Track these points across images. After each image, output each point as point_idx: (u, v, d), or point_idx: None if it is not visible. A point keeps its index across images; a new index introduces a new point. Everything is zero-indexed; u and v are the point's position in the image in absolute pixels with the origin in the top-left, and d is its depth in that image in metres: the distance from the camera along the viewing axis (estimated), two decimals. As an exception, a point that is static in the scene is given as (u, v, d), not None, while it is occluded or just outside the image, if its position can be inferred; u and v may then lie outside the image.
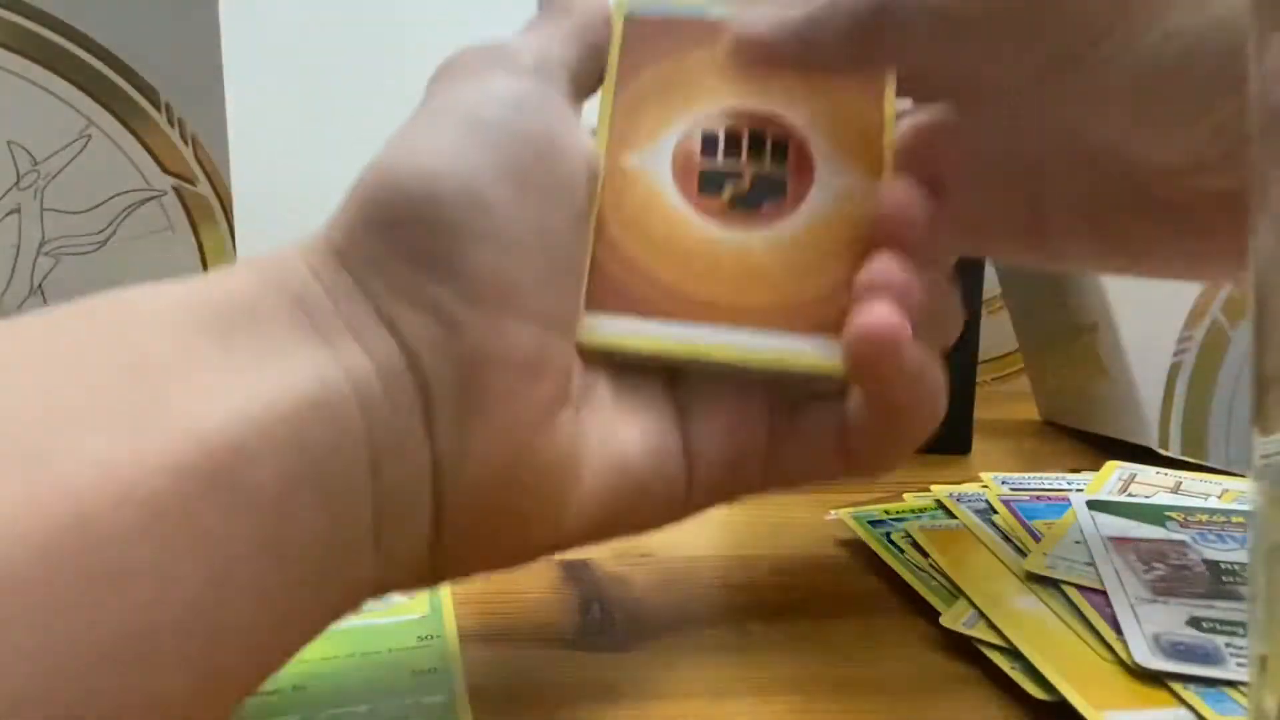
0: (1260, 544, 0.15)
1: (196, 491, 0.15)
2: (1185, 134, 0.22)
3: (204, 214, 0.36)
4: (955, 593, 0.27)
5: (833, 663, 0.24)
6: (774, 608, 0.27)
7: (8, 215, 0.33)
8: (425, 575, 0.21)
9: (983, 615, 0.25)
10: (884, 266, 0.22)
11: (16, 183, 0.33)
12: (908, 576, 0.28)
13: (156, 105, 0.34)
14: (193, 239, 0.36)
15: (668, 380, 0.24)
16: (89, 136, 0.33)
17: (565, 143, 0.22)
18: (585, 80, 0.25)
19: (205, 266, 0.36)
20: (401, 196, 0.20)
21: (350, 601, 0.19)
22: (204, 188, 0.36)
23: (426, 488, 0.19)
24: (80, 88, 0.33)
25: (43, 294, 0.33)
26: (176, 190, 0.35)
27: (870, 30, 0.23)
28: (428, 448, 0.19)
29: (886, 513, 0.31)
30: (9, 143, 0.32)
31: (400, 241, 0.20)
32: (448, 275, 0.20)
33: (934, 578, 0.28)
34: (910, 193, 0.23)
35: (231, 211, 0.37)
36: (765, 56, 0.24)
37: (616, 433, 0.23)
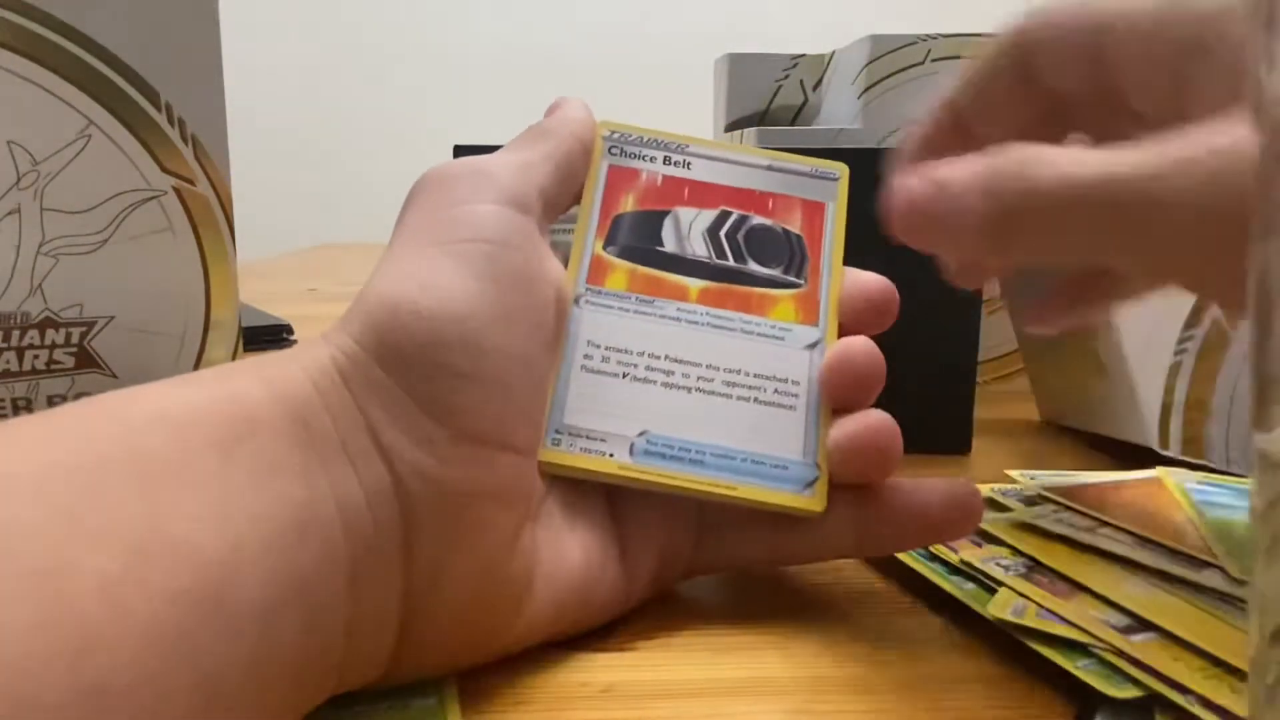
0: (1260, 543, 0.15)
1: (191, 615, 0.16)
2: None
3: (204, 214, 0.36)
4: (990, 589, 0.26)
5: (834, 663, 0.24)
6: (774, 607, 0.27)
7: (8, 215, 0.33)
8: (380, 678, 0.22)
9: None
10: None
11: (16, 183, 0.32)
12: (919, 567, 0.28)
13: (156, 105, 0.34)
14: (193, 239, 0.36)
15: (605, 490, 0.26)
16: (89, 136, 0.33)
17: (539, 274, 0.24)
18: (556, 205, 0.27)
19: (205, 266, 0.36)
20: (406, 337, 0.21)
21: (313, 702, 0.20)
22: (204, 188, 0.36)
23: (395, 608, 0.21)
24: (80, 88, 0.33)
25: (43, 294, 0.33)
26: (176, 190, 0.35)
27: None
28: (401, 572, 0.20)
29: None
30: (9, 143, 0.32)
31: (403, 377, 0.21)
32: (445, 415, 0.21)
33: (959, 574, 0.27)
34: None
35: (231, 211, 0.37)
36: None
37: (565, 547, 0.24)
